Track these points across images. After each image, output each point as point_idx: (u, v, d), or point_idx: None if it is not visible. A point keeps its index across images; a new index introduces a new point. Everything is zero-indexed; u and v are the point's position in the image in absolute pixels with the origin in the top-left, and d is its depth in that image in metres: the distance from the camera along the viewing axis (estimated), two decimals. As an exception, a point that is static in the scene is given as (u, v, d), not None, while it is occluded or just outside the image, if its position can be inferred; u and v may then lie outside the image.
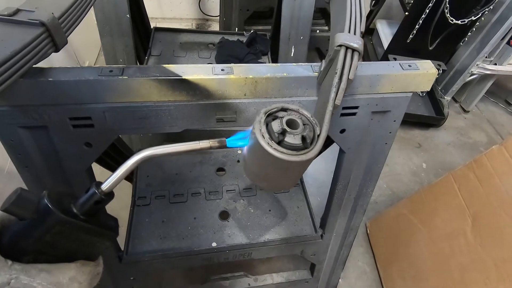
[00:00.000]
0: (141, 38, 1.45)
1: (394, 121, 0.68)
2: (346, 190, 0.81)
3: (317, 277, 1.09)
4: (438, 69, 1.76)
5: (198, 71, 0.53)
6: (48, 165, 0.58)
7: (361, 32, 0.54)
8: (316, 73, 0.56)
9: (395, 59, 1.86)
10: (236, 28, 1.93)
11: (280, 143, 0.32)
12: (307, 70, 0.57)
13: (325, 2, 0.76)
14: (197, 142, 0.38)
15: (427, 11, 1.59)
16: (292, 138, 0.32)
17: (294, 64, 0.58)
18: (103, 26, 1.13)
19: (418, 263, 1.12)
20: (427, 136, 1.98)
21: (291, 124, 0.34)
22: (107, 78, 0.50)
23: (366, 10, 0.56)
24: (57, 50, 0.52)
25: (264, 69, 0.55)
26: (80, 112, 0.52)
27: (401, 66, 0.60)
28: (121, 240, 0.86)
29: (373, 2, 2.14)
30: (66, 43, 0.56)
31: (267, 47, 1.45)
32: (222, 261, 0.91)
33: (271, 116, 0.34)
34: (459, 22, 1.59)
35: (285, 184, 0.36)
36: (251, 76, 0.54)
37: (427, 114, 1.91)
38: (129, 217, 0.90)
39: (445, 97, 2.01)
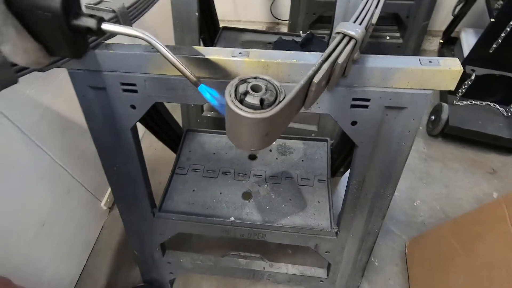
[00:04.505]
0: (210, 35, 1.64)
1: (413, 119, 0.65)
2: (362, 188, 0.80)
3: (332, 278, 1.07)
4: (529, 86, 1.50)
5: (219, 53, 0.62)
6: (104, 121, 0.75)
7: (372, 24, 0.55)
8: (325, 62, 0.60)
9: (473, 71, 1.66)
10: (301, 31, 1.98)
11: (242, 102, 0.38)
12: (317, 58, 0.60)
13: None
14: (184, 65, 0.47)
15: (519, 17, 1.38)
16: (252, 99, 0.38)
17: (307, 52, 0.62)
18: (176, 22, 1.33)
19: (454, 293, 1.00)
20: (506, 162, 1.69)
21: (255, 88, 0.40)
22: (149, 53, 0.63)
23: (381, 3, 0.57)
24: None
25: (277, 55, 0.61)
26: (129, 79, 0.67)
27: (419, 61, 0.59)
28: (158, 199, 1.01)
29: (457, 8, 1.93)
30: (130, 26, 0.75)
31: (322, 49, 1.46)
32: (238, 236, 0.98)
33: (243, 81, 0.41)
34: (561, 31, 1.34)
35: (249, 142, 0.42)
36: (263, 60, 0.61)
37: (507, 137, 1.64)
38: (168, 182, 1.05)
39: (539, 121, 1.70)
